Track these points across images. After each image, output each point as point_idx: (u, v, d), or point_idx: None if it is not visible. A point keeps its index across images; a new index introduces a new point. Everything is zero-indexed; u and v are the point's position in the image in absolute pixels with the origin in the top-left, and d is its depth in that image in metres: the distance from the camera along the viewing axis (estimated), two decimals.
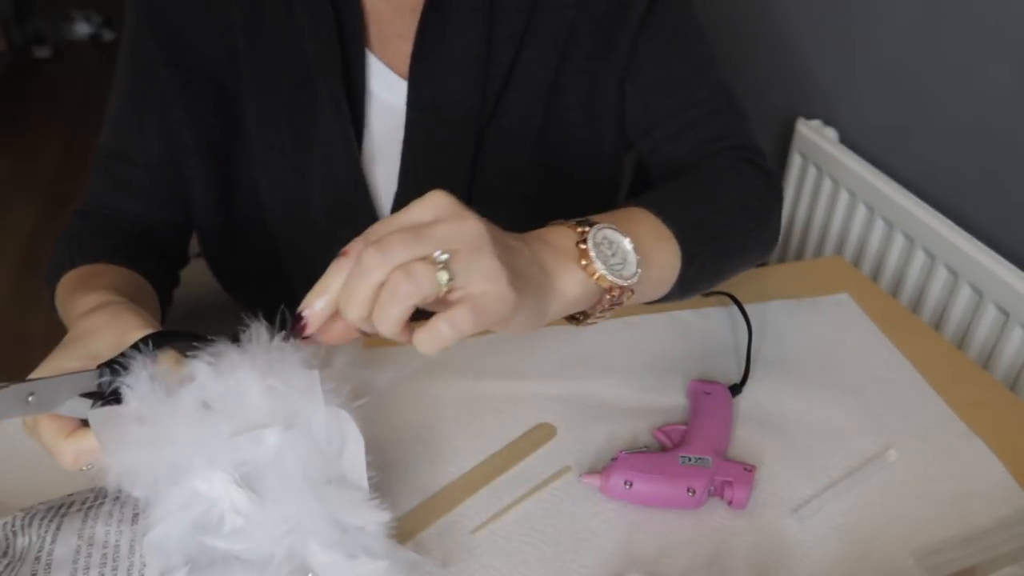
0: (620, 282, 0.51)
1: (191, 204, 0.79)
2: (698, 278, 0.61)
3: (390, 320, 0.43)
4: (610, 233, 0.53)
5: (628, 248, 0.53)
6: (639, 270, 0.53)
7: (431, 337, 0.44)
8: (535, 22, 0.74)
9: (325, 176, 0.75)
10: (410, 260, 0.42)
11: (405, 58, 0.74)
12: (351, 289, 0.43)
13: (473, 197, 0.77)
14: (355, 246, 0.45)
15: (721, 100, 0.77)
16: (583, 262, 0.50)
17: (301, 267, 0.80)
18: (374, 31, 0.75)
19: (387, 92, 0.75)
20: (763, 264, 0.83)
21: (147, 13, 0.73)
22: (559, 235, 0.52)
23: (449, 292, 0.44)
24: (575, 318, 0.55)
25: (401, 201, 0.76)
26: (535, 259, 0.49)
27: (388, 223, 0.45)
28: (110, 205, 0.77)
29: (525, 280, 0.46)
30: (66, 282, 0.68)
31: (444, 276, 0.43)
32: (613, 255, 0.52)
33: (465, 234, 0.44)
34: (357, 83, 0.74)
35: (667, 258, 0.58)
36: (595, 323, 0.55)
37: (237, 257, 0.83)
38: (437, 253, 0.43)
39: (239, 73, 0.73)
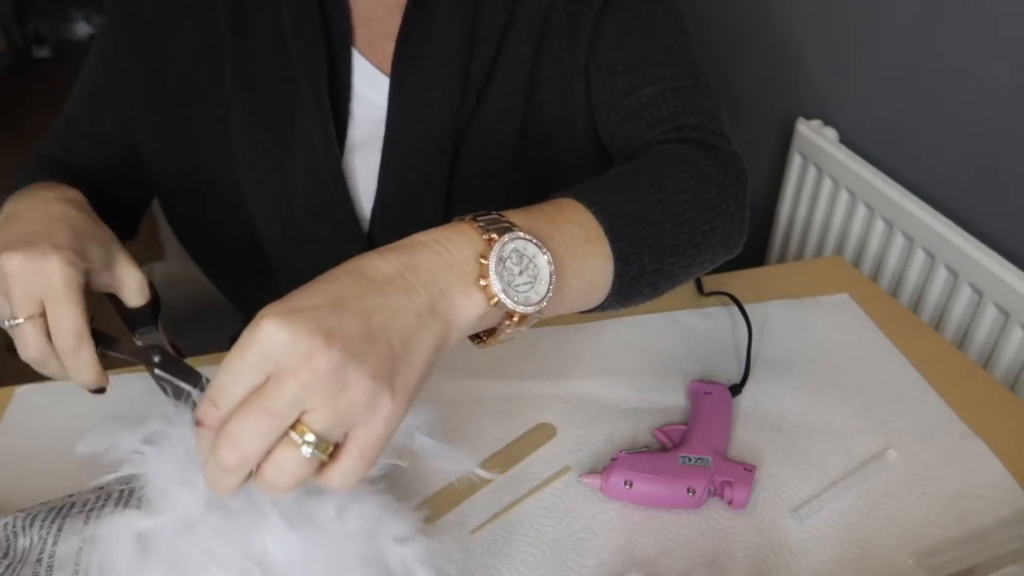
0: (520, 309, 0.44)
1: (160, 195, 0.82)
2: (640, 282, 0.53)
3: (279, 496, 0.41)
4: (522, 245, 0.44)
5: (543, 265, 0.45)
6: (550, 293, 0.45)
7: (335, 487, 0.40)
8: (515, 17, 0.73)
9: (307, 174, 0.75)
10: (273, 446, 0.38)
11: (391, 57, 0.74)
12: (218, 482, 0.39)
13: (452, 196, 0.77)
14: (208, 413, 0.39)
15: (684, 78, 0.71)
16: (482, 282, 0.43)
17: (286, 264, 0.80)
18: (362, 31, 0.75)
19: (372, 91, 0.76)
20: (763, 264, 0.82)
21: (122, 3, 0.75)
22: (459, 244, 0.44)
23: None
24: (479, 337, 0.47)
25: (381, 199, 0.76)
26: (421, 299, 0.41)
27: (231, 380, 0.38)
28: (60, 162, 0.79)
29: (411, 345, 0.40)
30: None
31: (313, 451, 0.38)
32: (521, 272, 0.44)
33: (319, 379, 0.37)
34: (342, 82, 0.75)
35: (595, 263, 0.50)
36: (501, 343, 0.47)
37: (225, 256, 0.83)
38: (297, 439, 0.38)
39: (217, 70, 0.74)
